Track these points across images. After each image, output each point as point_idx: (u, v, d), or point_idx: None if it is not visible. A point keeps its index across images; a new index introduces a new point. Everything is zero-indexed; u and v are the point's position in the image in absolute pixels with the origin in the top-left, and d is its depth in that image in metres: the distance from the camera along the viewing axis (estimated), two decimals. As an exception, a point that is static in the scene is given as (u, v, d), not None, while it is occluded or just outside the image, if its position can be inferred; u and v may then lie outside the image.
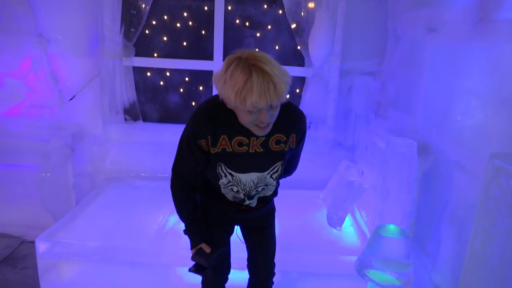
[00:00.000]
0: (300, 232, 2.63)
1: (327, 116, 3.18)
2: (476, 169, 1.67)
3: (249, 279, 1.97)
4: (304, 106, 3.17)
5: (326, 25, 2.88)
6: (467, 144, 1.81)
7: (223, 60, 3.06)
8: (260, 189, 1.63)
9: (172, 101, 3.28)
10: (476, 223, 1.30)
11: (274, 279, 1.95)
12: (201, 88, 3.27)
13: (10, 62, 2.91)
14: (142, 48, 3.13)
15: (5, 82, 2.95)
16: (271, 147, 1.52)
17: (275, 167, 1.57)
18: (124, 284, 2.27)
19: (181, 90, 3.26)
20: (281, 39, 3.17)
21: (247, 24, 3.14)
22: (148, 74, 3.21)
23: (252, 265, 1.92)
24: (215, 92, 3.29)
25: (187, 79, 3.23)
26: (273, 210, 1.89)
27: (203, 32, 3.14)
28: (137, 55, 3.11)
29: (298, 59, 3.17)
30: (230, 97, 1.29)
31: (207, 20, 3.11)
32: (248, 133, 1.46)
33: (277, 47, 3.18)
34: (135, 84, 3.16)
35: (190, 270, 1.65)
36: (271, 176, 1.60)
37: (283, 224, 2.56)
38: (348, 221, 2.75)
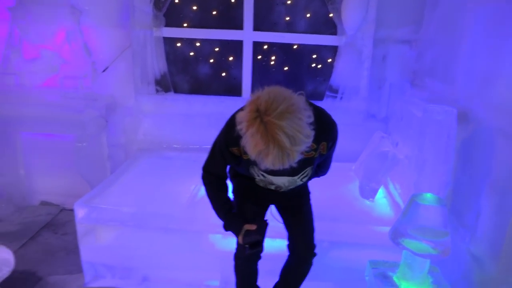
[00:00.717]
0: (332, 203, 2.60)
1: (360, 86, 3.08)
2: (523, 136, 1.58)
3: (288, 257, 1.97)
4: (336, 76, 3.09)
5: (360, -10, 2.76)
6: (512, 110, 1.71)
7: (254, 29, 3.06)
8: (291, 187, 1.77)
9: (202, 72, 3.26)
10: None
11: None
12: (231, 58, 3.22)
13: (45, 34, 2.95)
14: (172, 18, 3.11)
15: (41, 54, 3.02)
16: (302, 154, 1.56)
17: (304, 172, 1.68)
18: (158, 249, 2.34)
19: (211, 60, 3.24)
20: (312, 7, 3.07)
21: (277, -9, 3.06)
22: (178, 44, 3.20)
23: (291, 245, 1.93)
24: (245, 63, 3.27)
25: (217, 49, 3.20)
26: (306, 191, 1.93)
27: (232, 0, 3.07)
28: (167, 25, 3.09)
29: (330, 27, 3.07)
30: (250, 152, 1.38)
31: (237, -12, 3.04)
32: None
33: (308, 15, 3.08)
34: (165, 55, 3.16)
35: (247, 253, 1.69)
36: (301, 180, 1.73)
37: (315, 195, 2.52)
38: (381, 193, 2.69)
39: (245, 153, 1.50)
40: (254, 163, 1.56)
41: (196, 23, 3.14)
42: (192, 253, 2.32)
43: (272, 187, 1.78)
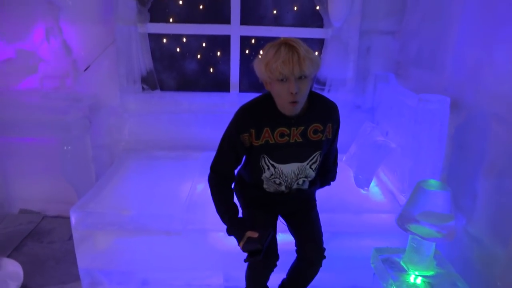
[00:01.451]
0: (328, 194, 2.62)
1: (346, 78, 3.13)
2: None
3: (296, 259, 1.95)
4: (323, 69, 3.12)
5: (346, -18, 2.79)
6: (507, 95, 1.79)
7: (241, 23, 3.04)
8: (300, 181, 1.77)
9: (190, 68, 3.20)
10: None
11: None
12: (218, 53, 3.18)
13: (21, 32, 2.79)
14: (157, 13, 3.02)
15: (16, 53, 2.85)
16: (310, 136, 1.66)
17: (313, 157, 1.71)
18: (157, 251, 2.29)
19: (199, 56, 3.18)
20: (299, 0, 3.08)
21: (264, -16, 3.04)
22: (164, 40, 3.12)
23: (300, 250, 1.91)
24: (233, 58, 3.23)
25: (204, 44, 3.14)
26: (313, 197, 1.96)
27: (219, -7, 3.03)
28: (152, 21, 3.00)
29: (317, 20, 3.09)
30: (262, 70, 1.51)
31: (223, -19, 3.00)
32: (289, 123, 1.62)
33: (295, 8, 3.09)
34: (151, 52, 3.07)
35: (246, 260, 1.67)
36: (310, 167, 1.73)
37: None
38: (374, 181, 2.76)
39: (257, 138, 1.62)
40: (265, 152, 1.64)
41: (182, 18, 3.06)
42: (193, 253, 2.29)
43: (282, 188, 1.77)
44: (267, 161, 1.68)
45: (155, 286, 2.38)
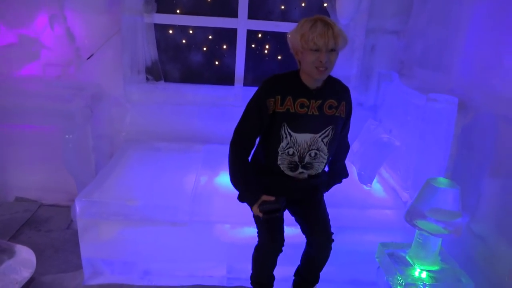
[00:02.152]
0: (331, 189, 2.66)
1: (350, 75, 3.15)
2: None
3: (306, 246, 2.01)
4: (328, 66, 3.13)
5: (354, -20, 2.80)
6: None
7: (248, 17, 3.02)
8: (312, 153, 1.83)
9: (195, 60, 3.18)
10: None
11: None
12: (224, 47, 3.16)
13: (23, 18, 2.73)
14: (164, 4, 2.99)
15: (18, 39, 2.79)
16: (325, 111, 1.78)
17: (326, 131, 1.80)
18: (160, 242, 2.28)
19: (204, 48, 3.16)
20: (306, -4, 3.09)
21: (272, -21, 3.03)
22: (170, 31, 3.09)
23: (309, 234, 1.97)
24: (238, 51, 3.21)
25: (210, 37, 3.12)
26: (321, 186, 2.01)
27: (227, -13, 3.02)
28: (158, 11, 2.97)
29: (324, 17, 3.10)
30: (297, 40, 1.66)
31: (232, -26, 2.98)
32: (309, 95, 1.75)
33: (303, 4, 3.09)
34: (156, 43, 3.04)
35: (262, 218, 1.72)
36: (322, 140, 1.81)
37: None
38: (376, 178, 2.79)
39: (281, 105, 1.74)
40: (285, 119, 1.75)
41: (189, 10, 3.03)
42: (197, 244, 2.29)
43: (295, 158, 1.81)
44: (286, 130, 1.77)
45: (157, 276, 2.37)
